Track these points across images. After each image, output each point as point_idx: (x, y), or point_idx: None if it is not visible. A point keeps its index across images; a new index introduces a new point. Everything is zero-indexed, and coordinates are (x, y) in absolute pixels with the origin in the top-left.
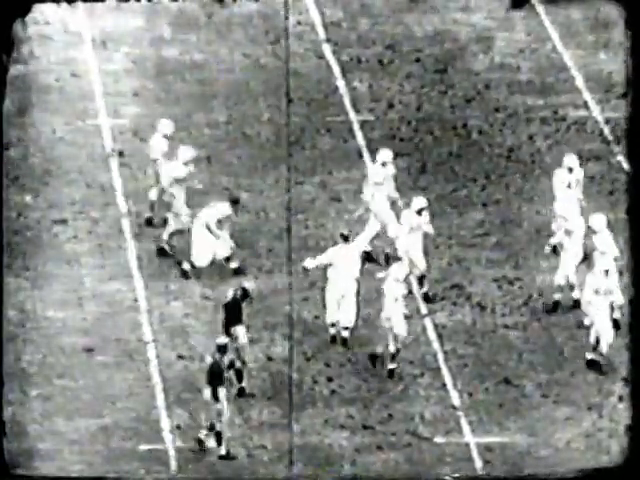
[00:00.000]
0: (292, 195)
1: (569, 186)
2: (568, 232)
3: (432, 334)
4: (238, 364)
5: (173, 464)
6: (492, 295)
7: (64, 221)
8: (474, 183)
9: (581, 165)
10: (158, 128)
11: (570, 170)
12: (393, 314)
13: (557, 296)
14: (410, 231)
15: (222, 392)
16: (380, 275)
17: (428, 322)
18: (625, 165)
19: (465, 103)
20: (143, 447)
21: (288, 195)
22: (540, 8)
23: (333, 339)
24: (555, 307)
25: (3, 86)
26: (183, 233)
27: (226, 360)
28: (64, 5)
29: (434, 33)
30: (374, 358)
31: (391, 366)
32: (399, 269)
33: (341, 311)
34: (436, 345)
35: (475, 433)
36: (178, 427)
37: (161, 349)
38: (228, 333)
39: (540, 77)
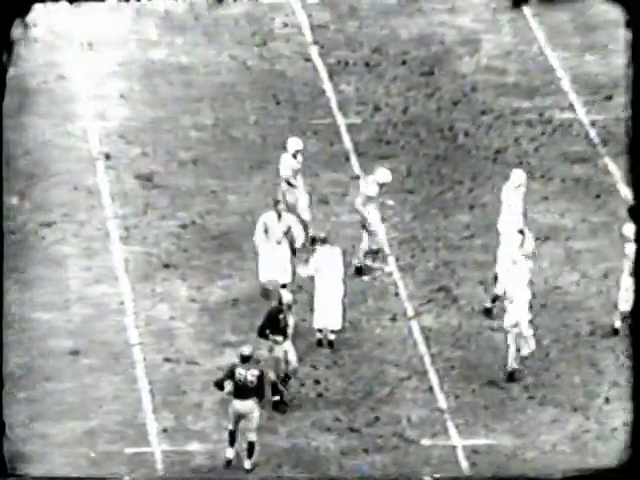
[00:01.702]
0: (279, 197)
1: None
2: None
3: (419, 337)
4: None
5: (159, 467)
6: (478, 297)
7: (50, 224)
8: (461, 185)
9: (567, 167)
10: (287, 146)
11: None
12: None
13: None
14: (367, 201)
15: (289, 329)
16: (366, 277)
17: (414, 325)
18: (611, 167)
19: (452, 106)
20: (129, 450)
21: (275, 197)
22: (527, 10)
23: (320, 342)
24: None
25: (3, 86)
26: (378, 253)
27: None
28: (49, 6)
29: (420, 36)
30: None
31: None
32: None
33: (328, 315)
34: (422, 348)
35: (462, 436)
36: (164, 430)
37: (147, 352)
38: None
39: (526, 79)
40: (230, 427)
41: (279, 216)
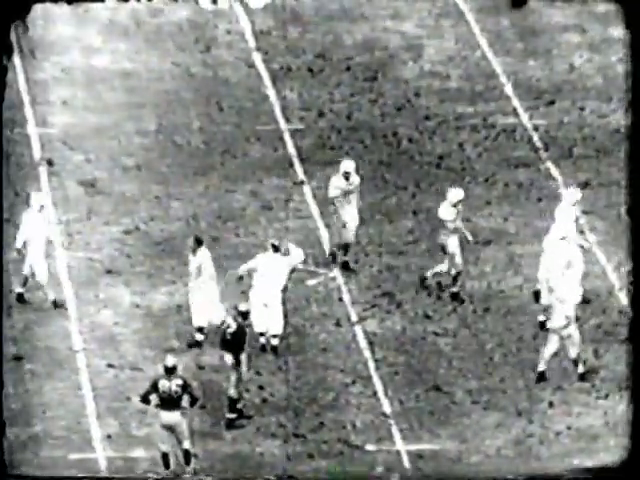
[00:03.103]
0: (223, 203)
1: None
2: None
3: (363, 342)
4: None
5: (103, 473)
6: (422, 302)
7: None
8: (404, 191)
9: (510, 172)
10: (340, 167)
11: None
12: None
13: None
14: (344, 196)
15: (244, 356)
16: (311, 282)
17: (358, 330)
18: (554, 172)
19: (395, 111)
20: (74, 456)
21: (219, 203)
22: (470, 16)
23: (263, 348)
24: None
25: (3, 86)
26: (450, 275)
27: (247, 328)
28: None
29: (364, 41)
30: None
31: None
32: None
33: (268, 319)
34: (367, 353)
35: (406, 440)
36: (108, 436)
37: (91, 358)
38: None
39: (469, 85)
40: (162, 448)
41: (193, 251)
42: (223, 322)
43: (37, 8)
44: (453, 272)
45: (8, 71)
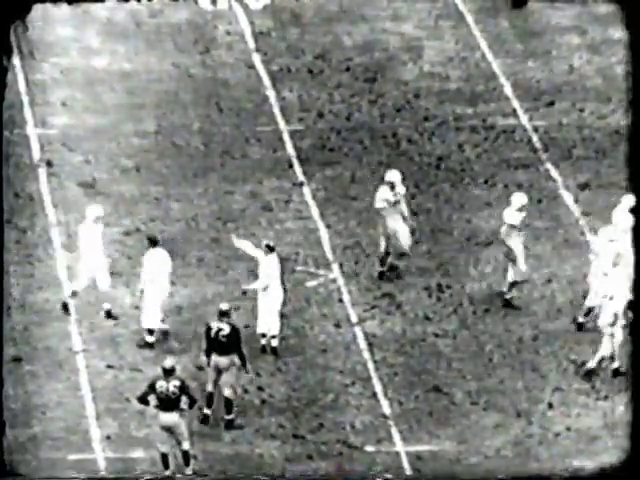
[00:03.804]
0: (222, 204)
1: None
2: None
3: (362, 343)
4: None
5: (103, 474)
6: (422, 304)
7: None
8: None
9: (510, 173)
10: (385, 178)
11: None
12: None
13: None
14: (510, 230)
15: (242, 357)
16: (310, 283)
17: (358, 331)
18: (553, 173)
19: (395, 112)
20: (73, 457)
21: (218, 204)
22: (469, 17)
23: (263, 349)
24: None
25: (3, 86)
26: (524, 284)
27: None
28: None
29: (363, 42)
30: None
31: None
32: None
33: (268, 320)
34: (366, 354)
35: (405, 441)
36: (108, 437)
37: (90, 359)
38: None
39: (469, 86)
40: (162, 449)
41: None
42: (209, 327)
43: (37, 8)
44: (515, 278)
45: (7, 72)
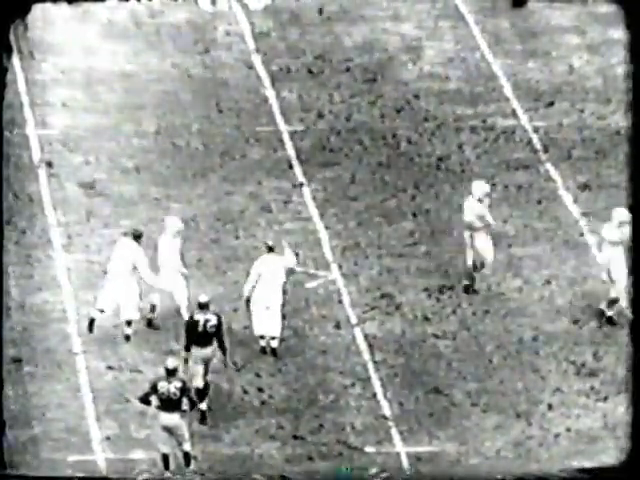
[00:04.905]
0: (222, 205)
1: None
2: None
3: (362, 344)
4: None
5: (103, 475)
6: (422, 304)
7: None
8: (404, 193)
9: (510, 174)
10: (473, 191)
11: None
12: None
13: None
14: (612, 246)
15: (223, 347)
16: (310, 284)
17: (358, 332)
18: (553, 174)
19: (394, 113)
20: (73, 458)
21: (218, 205)
22: (469, 17)
23: (263, 350)
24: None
25: (3, 86)
26: (616, 302)
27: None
28: None
29: (363, 43)
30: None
31: None
32: None
33: (268, 322)
34: (366, 355)
35: (405, 442)
36: (108, 438)
37: (90, 360)
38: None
39: (469, 86)
40: (162, 449)
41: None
42: (194, 320)
43: (37, 8)
44: (614, 295)
45: (7, 72)
